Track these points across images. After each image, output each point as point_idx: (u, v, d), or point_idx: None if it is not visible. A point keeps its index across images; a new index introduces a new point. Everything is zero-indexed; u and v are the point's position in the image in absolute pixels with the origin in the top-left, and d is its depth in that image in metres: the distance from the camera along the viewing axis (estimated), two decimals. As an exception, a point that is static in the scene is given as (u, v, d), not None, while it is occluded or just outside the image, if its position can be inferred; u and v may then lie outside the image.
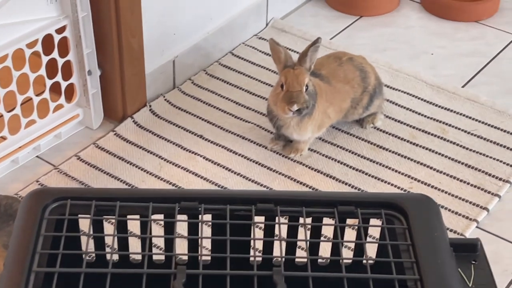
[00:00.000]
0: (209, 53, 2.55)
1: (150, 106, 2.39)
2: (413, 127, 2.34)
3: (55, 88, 2.21)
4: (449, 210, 2.08)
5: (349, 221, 1.29)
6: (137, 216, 1.24)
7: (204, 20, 2.51)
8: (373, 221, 1.30)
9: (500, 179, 2.17)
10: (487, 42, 2.70)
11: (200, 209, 1.24)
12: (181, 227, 1.29)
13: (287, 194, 1.38)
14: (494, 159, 2.23)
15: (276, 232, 1.26)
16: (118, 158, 2.22)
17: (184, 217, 1.27)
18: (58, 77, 2.19)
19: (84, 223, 1.24)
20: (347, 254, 1.83)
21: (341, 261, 1.19)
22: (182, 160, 2.22)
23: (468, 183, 2.16)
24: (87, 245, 1.17)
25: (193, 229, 1.27)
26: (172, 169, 2.19)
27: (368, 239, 1.86)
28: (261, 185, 2.15)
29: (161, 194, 1.26)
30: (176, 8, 2.39)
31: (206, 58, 2.55)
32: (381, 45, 2.68)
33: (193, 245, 1.29)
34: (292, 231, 1.30)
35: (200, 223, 1.24)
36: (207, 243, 1.29)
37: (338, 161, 2.23)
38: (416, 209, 1.27)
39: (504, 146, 2.27)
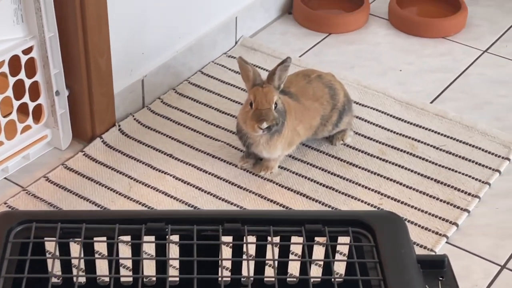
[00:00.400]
0: (179, 71, 2.55)
1: (119, 125, 2.37)
2: (383, 143, 2.35)
3: (23, 109, 2.19)
4: (419, 225, 2.08)
5: (317, 239, 1.29)
6: (104, 238, 1.23)
7: (173, 39, 2.51)
8: (341, 239, 1.30)
9: (469, 194, 2.18)
10: (455, 58, 2.73)
11: (167, 229, 1.23)
12: (151, 248, 1.28)
13: (254, 213, 1.38)
14: (463, 174, 2.25)
15: (245, 251, 1.25)
16: (87, 179, 2.20)
17: (152, 238, 1.26)
18: (26, 98, 2.17)
19: (52, 246, 1.22)
20: (317, 271, 1.83)
21: (309, 279, 1.18)
22: (151, 180, 2.21)
23: (437, 199, 2.17)
24: (53, 268, 1.16)
25: (161, 250, 1.26)
26: (141, 188, 2.18)
27: (338, 256, 1.87)
28: (232, 203, 2.14)
29: (127, 216, 1.25)
30: (144, 27, 2.39)
31: (176, 77, 2.55)
32: (350, 62, 2.70)
33: (161, 266, 1.29)
34: (261, 250, 1.30)
35: (167, 244, 1.23)
36: (175, 264, 1.28)
37: (308, 179, 2.23)
38: (383, 227, 1.28)
39: (473, 161, 2.29)
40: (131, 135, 2.35)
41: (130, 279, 1.30)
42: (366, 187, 2.20)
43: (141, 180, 2.20)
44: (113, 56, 2.27)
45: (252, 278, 1.18)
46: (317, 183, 2.22)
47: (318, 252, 1.47)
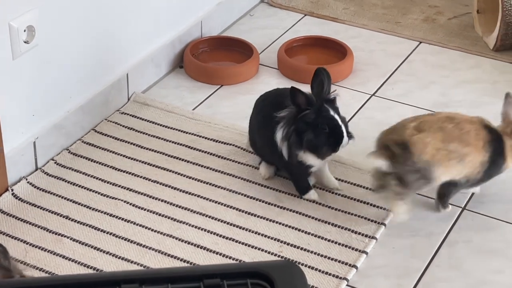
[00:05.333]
0: (71, 131, 2.52)
1: (12, 190, 2.32)
2: (279, 191, 2.37)
3: None
4: (320, 270, 2.11)
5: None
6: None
7: (63, 99, 2.48)
8: (240, 291, 1.30)
9: (366, 235, 2.22)
10: (344, 103, 2.78)
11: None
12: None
13: (151, 272, 1.37)
14: (359, 216, 2.29)
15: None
16: (-19, 247, 2.13)
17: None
18: None
19: None
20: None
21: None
22: (48, 244, 2.16)
23: (336, 242, 2.20)
24: None
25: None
26: (38, 253, 2.13)
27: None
28: (132, 262, 2.11)
29: (15, 284, 1.22)
30: (33, 87, 2.36)
31: (68, 137, 2.52)
32: (243, 112, 2.72)
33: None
34: (160, 309, 1.28)
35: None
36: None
37: (208, 231, 2.23)
38: (281, 276, 1.29)
39: (367, 203, 2.34)
40: (25, 199, 2.30)
41: None
42: (265, 236, 2.22)
43: (37, 245, 2.15)
44: (2, 118, 2.23)
45: None
46: (217, 235, 2.22)
47: (219, 306, 1.46)
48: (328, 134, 2.21)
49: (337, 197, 2.37)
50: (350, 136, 2.26)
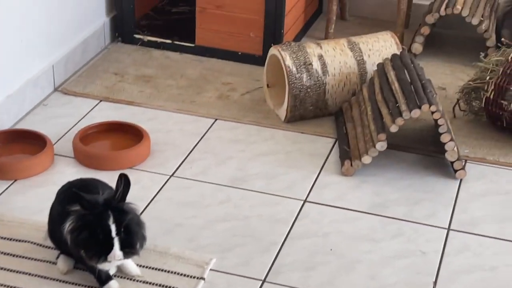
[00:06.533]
0: None
1: None
2: (78, 284, 2.29)
3: None
4: None
5: None
6: None
7: None
8: None
9: (169, 320, 2.19)
10: (143, 186, 2.77)
11: None
12: None
13: None
14: (161, 301, 2.26)
15: None
16: None
17: None
18: None
19: None
20: None
21: None
22: None
23: (138, 332, 2.15)
24: None
25: None
26: None
27: None
28: None
29: None
30: None
31: None
32: (39, 206, 2.62)
33: None
34: None
35: None
36: None
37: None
38: None
39: (169, 287, 2.30)
40: None
41: None
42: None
43: None
44: None
45: None
46: None
47: None
48: (100, 242, 2.13)
49: (139, 284, 2.32)
50: (129, 251, 2.15)
